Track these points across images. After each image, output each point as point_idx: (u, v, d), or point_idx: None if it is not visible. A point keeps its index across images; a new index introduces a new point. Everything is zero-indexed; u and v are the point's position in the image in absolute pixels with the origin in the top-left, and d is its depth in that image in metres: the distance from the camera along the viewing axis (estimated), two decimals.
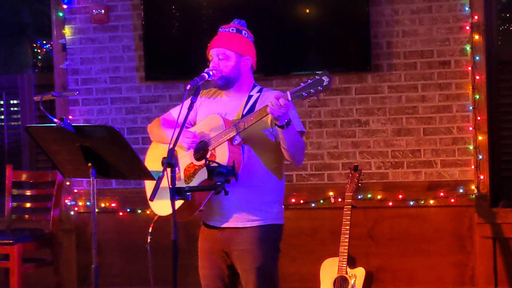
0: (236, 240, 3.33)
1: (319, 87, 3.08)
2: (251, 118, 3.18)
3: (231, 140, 3.21)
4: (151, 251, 3.38)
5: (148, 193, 3.39)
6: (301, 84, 3.11)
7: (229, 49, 3.33)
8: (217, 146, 3.23)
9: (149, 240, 3.35)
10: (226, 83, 3.35)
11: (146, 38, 5.48)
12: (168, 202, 2.97)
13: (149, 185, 3.43)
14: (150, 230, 3.35)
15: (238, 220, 3.33)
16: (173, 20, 5.50)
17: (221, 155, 3.20)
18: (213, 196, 3.26)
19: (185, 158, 3.35)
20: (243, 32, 3.39)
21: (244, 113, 3.31)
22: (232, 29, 3.37)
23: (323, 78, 3.08)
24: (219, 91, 3.46)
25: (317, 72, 3.10)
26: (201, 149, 3.31)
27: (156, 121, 3.55)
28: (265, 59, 5.34)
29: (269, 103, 3.08)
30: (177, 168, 3.33)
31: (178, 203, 3.18)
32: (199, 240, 3.49)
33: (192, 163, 3.31)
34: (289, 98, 3.07)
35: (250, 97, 3.37)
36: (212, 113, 3.37)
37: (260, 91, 3.40)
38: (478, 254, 5.06)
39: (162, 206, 3.30)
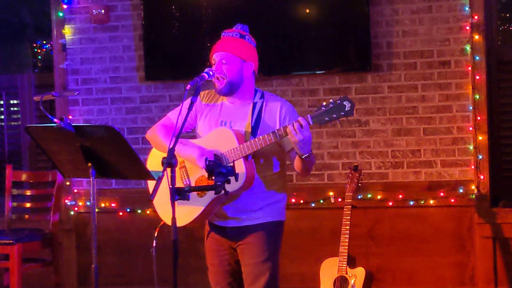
0: (243, 234, 3.38)
1: (341, 113, 3.10)
2: (268, 138, 3.19)
3: (246, 157, 3.23)
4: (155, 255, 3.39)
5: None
6: (322, 108, 3.14)
7: (232, 53, 3.33)
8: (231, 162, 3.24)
9: (154, 245, 3.36)
10: (230, 90, 3.35)
11: (146, 38, 5.48)
12: (182, 213, 3.04)
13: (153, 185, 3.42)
14: (155, 235, 3.36)
15: (244, 221, 3.38)
16: (173, 20, 5.49)
17: (238, 171, 3.17)
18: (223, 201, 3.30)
19: (194, 169, 3.35)
20: (246, 37, 3.40)
21: (253, 124, 3.32)
22: (236, 34, 3.38)
23: (344, 103, 3.10)
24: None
25: (338, 97, 3.12)
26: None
27: (155, 131, 3.47)
28: (265, 59, 5.35)
29: (290, 124, 3.11)
30: (188, 180, 3.36)
31: (197, 213, 3.27)
32: (206, 239, 3.53)
33: (204, 176, 3.30)
34: (310, 122, 3.12)
35: (255, 104, 3.37)
36: (217, 121, 3.39)
37: (262, 96, 3.41)
38: (478, 254, 5.06)
39: (178, 218, 3.28)
